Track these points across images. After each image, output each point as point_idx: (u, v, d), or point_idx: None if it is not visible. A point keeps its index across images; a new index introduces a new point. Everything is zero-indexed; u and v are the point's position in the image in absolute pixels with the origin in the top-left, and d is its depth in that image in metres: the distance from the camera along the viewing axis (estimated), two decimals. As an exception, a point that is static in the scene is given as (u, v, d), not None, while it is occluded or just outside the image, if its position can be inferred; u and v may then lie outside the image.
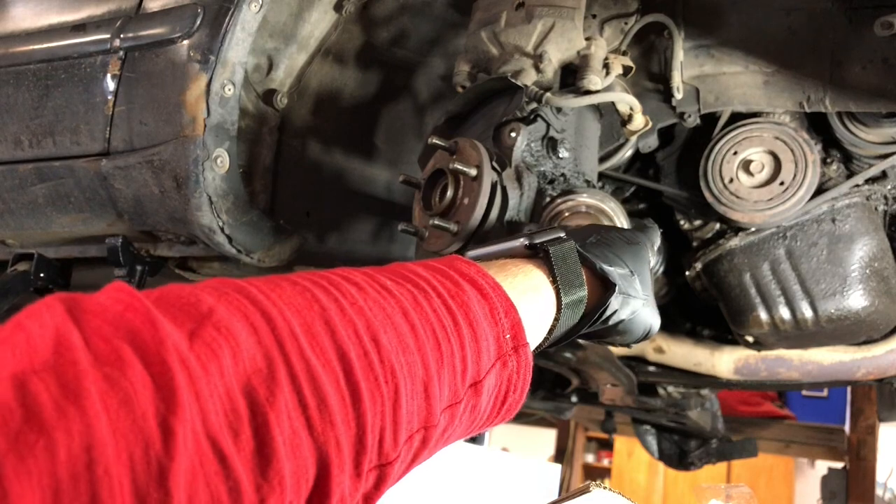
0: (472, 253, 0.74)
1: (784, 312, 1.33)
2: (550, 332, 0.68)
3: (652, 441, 2.88)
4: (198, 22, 1.21)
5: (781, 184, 1.26)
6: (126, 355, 0.36)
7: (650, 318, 0.80)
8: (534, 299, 0.65)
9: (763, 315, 1.34)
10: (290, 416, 0.40)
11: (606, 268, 0.72)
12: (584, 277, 0.71)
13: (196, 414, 0.36)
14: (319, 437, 0.42)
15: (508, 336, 0.57)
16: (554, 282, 0.68)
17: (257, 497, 0.38)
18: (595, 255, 0.74)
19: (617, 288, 0.73)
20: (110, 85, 1.28)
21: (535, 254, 0.71)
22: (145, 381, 0.35)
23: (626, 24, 1.29)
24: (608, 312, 0.73)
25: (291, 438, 0.40)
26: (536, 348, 0.67)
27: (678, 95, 1.29)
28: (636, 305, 0.76)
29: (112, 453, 0.32)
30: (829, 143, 1.33)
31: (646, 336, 0.81)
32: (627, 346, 0.83)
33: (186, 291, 0.42)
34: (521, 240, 0.72)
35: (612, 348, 1.70)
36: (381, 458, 0.47)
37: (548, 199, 1.05)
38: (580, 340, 0.80)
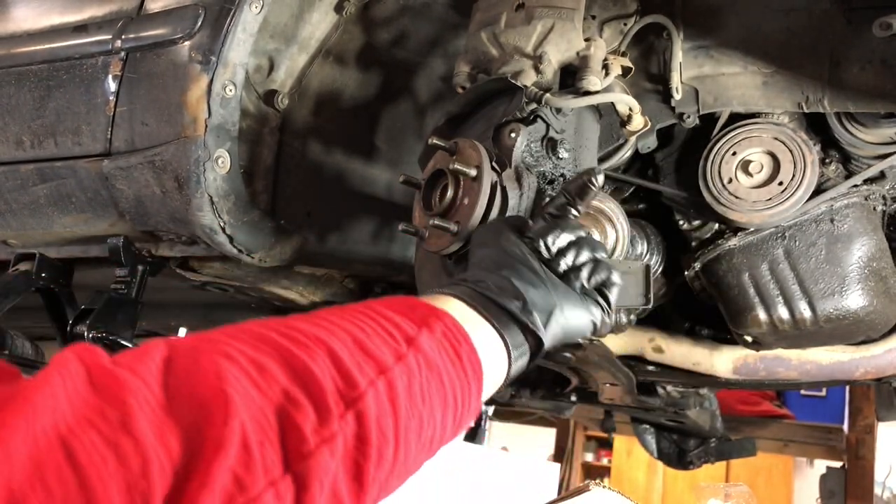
0: None
1: (783, 312, 1.33)
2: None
3: (651, 440, 2.88)
4: (199, 23, 1.22)
5: (780, 184, 1.26)
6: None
7: (576, 319, 0.83)
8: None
9: (762, 315, 1.35)
10: (238, 380, 0.50)
11: (507, 338, 0.76)
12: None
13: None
14: (269, 392, 0.51)
15: (420, 311, 0.69)
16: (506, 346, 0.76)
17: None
18: (496, 305, 0.77)
19: (518, 347, 0.77)
20: (112, 85, 1.29)
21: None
22: None
23: (625, 25, 1.29)
24: (532, 364, 0.79)
25: (244, 394, 0.49)
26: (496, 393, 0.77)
27: (677, 96, 1.29)
28: (555, 323, 0.80)
29: None
30: (828, 143, 1.33)
31: (592, 333, 0.86)
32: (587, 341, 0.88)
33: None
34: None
35: (610, 347, 1.71)
36: (345, 396, 0.55)
37: (547, 200, 1.06)
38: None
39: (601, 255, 0.87)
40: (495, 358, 0.74)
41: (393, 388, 0.58)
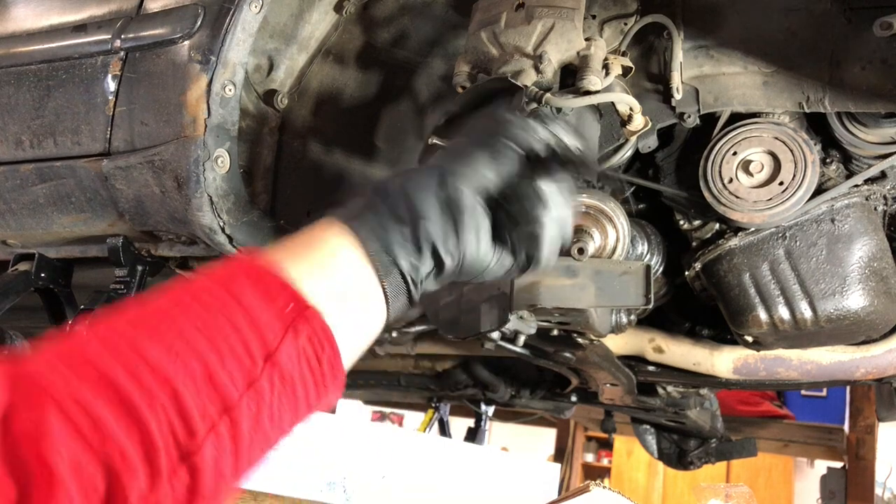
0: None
1: (783, 312, 1.33)
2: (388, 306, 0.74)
3: (651, 440, 2.88)
4: (198, 22, 1.22)
5: (781, 184, 1.26)
6: None
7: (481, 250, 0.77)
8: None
9: (762, 315, 1.35)
10: (65, 444, 0.49)
11: (386, 284, 0.73)
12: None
13: None
14: (100, 452, 0.50)
15: (290, 306, 0.64)
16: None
17: None
18: (381, 248, 0.75)
19: (395, 287, 0.74)
20: (111, 85, 1.29)
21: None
22: None
23: (625, 24, 1.29)
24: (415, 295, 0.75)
25: (71, 461, 0.48)
26: (393, 325, 0.73)
27: (677, 96, 1.29)
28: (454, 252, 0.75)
29: None
30: (829, 143, 1.33)
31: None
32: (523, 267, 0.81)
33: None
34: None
35: (610, 347, 1.70)
36: (182, 449, 0.54)
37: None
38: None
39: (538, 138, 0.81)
40: (371, 306, 0.73)
41: (237, 426, 0.58)
